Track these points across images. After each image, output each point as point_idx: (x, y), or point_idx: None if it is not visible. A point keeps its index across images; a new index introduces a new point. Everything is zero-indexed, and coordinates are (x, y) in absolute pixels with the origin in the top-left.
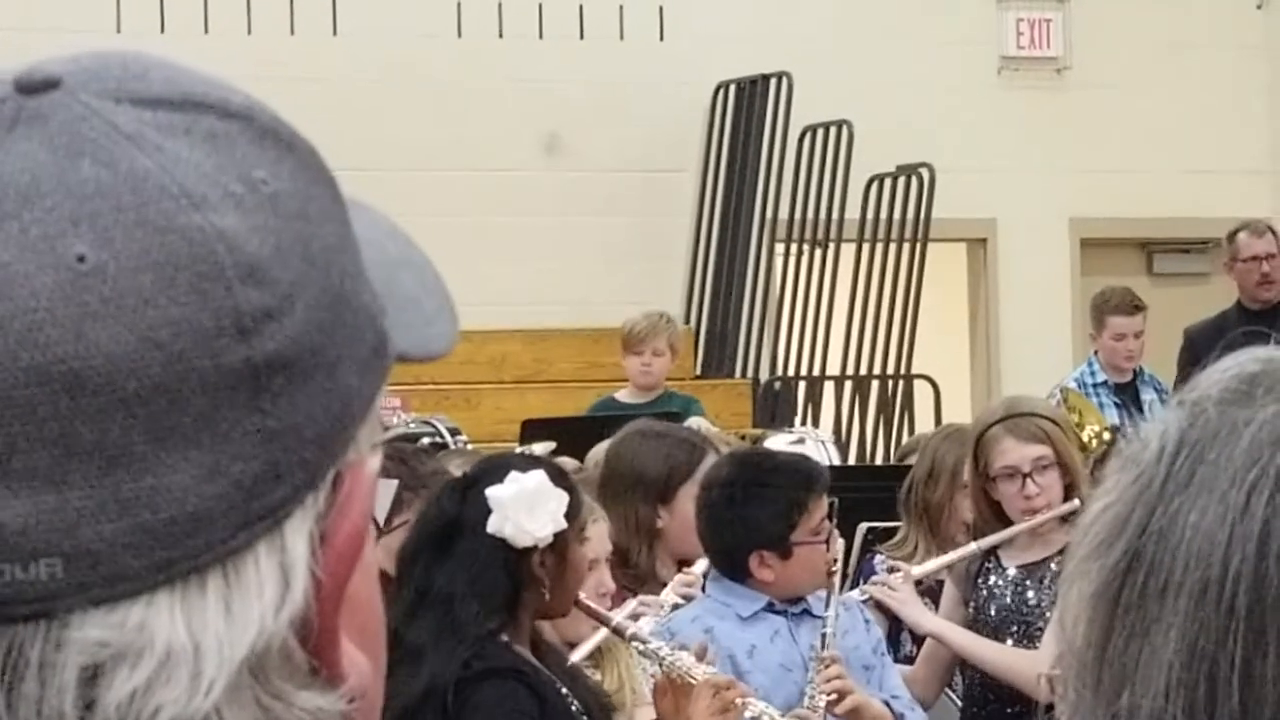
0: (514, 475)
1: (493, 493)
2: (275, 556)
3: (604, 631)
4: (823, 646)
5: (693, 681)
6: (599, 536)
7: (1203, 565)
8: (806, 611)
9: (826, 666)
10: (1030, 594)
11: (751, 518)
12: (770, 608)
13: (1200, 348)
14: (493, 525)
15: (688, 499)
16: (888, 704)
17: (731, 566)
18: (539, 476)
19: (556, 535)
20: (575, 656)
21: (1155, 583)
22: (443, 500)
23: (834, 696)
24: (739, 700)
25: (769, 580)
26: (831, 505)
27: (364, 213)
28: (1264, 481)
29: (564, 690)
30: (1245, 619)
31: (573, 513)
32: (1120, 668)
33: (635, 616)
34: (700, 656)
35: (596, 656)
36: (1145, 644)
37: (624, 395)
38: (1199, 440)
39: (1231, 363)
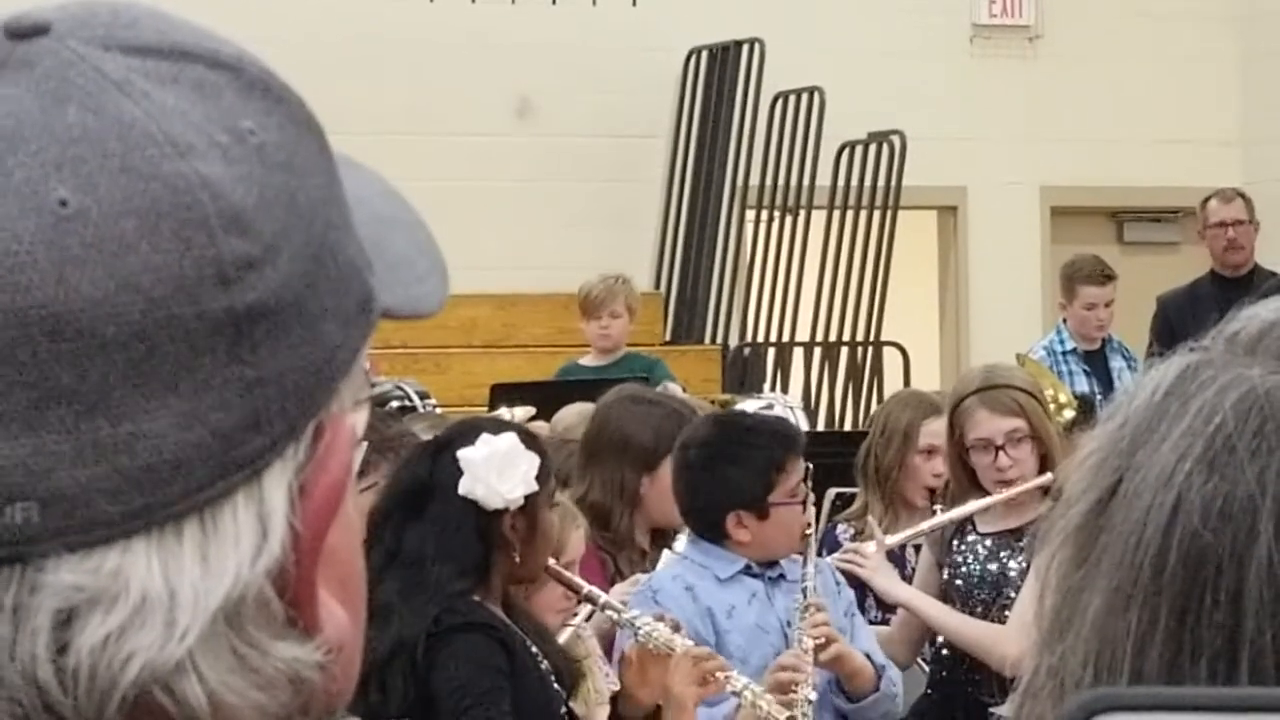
0: (485, 437)
1: (464, 454)
2: (253, 507)
3: (576, 621)
4: (804, 597)
5: (671, 652)
6: (576, 541)
7: (1131, 528)
8: (782, 576)
9: (813, 614)
10: (1002, 562)
11: (730, 478)
12: (747, 570)
13: (1173, 315)
14: (464, 487)
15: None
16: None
17: (708, 527)
18: (510, 439)
19: (527, 498)
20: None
21: (1105, 537)
22: (414, 462)
23: (821, 640)
24: (720, 674)
25: (745, 541)
26: (807, 469)
27: (358, 171)
28: (1190, 453)
29: (534, 649)
30: (1146, 591)
31: (543, 476)
32: (1064, 618)
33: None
34: (675, 630)
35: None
36: (1083, 597)
37: (588, 359)
38: (1171, 394)
39: (1267, 309)
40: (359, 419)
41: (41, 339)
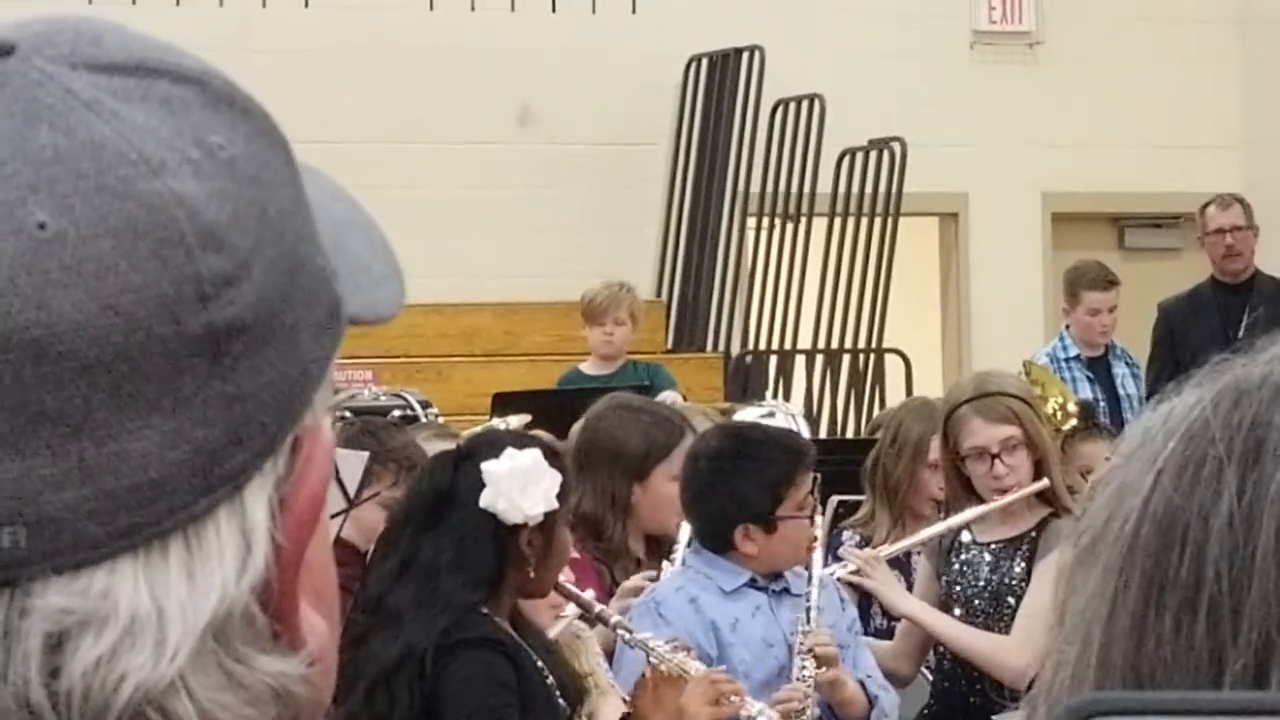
0: (510, 451)
1: (488, 467)
2: (236, 522)
3: (569, 619)
4: (807, 619)
5: (684, 674)
6: None
7: (1119, 508)
8: (786, 590)
9: (814, 637)
10: (1002, 570)
11: (739, 490)
12: (752, 583)
13: (1175, 322)
14: (485, 500)
15: (662, 477)
16: (862, 684)
17: (715, 538)
18: (534, 454)
19: (546, 515)
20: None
21: (1101, 545)
22: (435, 471)
23: (821, 669)
24: (735, 697)
25: (752, 554)
26: (815, 480)
27: (311, 176)
28: (1174, 433)
29: (540, 665)
30: (1123, 560)
31: (563, 495)
32: (1065, 609)
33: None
34: (685, 651)
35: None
36: (1080, 586)
37: (588, 367)
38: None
39: None
40: (328, 426)
41: (25, 363)
